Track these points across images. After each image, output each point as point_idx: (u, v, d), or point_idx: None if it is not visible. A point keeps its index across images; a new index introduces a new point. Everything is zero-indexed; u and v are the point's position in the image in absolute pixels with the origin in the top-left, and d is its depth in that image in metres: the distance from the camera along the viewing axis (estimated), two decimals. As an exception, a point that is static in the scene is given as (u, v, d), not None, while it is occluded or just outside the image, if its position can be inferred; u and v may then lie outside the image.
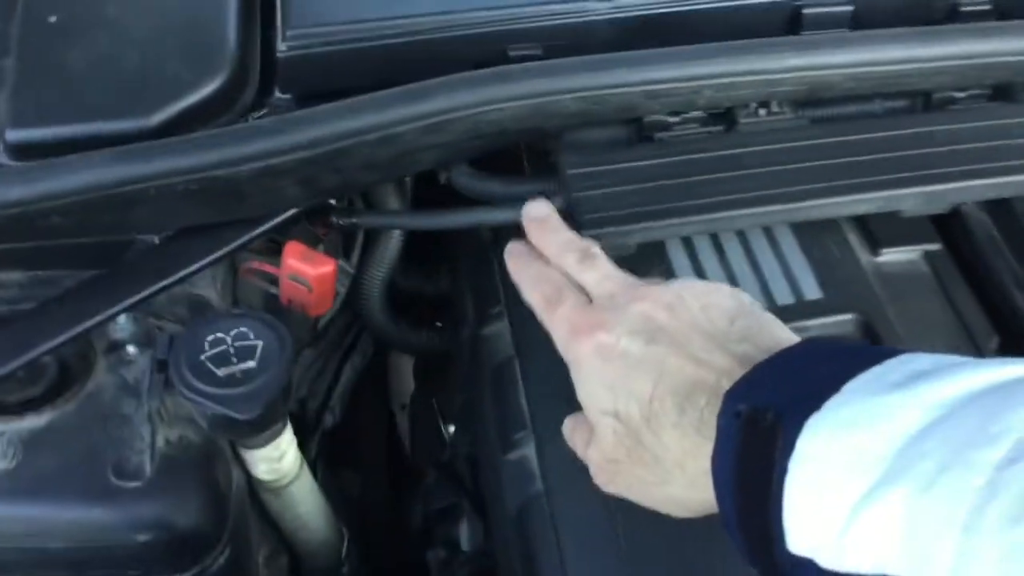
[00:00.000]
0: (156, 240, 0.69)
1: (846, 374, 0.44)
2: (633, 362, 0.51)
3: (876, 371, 0.44)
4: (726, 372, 0.49)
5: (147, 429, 0.62)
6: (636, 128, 0.73)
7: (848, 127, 0.72)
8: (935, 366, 0.44)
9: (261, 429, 0.63)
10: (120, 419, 0.63)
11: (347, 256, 0.81)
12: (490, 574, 0.73)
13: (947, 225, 0.77)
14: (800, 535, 0.42)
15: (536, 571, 0.64)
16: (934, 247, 0.74)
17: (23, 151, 0.66)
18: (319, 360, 0.86)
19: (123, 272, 0.68)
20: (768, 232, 0.75)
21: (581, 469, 0.65)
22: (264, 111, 0.70)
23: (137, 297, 0.66)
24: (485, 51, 0.72)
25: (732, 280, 0.73)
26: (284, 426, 0.66)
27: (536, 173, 0.75)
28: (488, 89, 0.65)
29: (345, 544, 0.78)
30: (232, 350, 0.61)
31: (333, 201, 0.77)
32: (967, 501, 0.38)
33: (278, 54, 0.70)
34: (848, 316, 0.70)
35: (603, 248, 0.67)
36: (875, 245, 0.73)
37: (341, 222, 0.74)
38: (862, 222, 0.74)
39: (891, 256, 0.73)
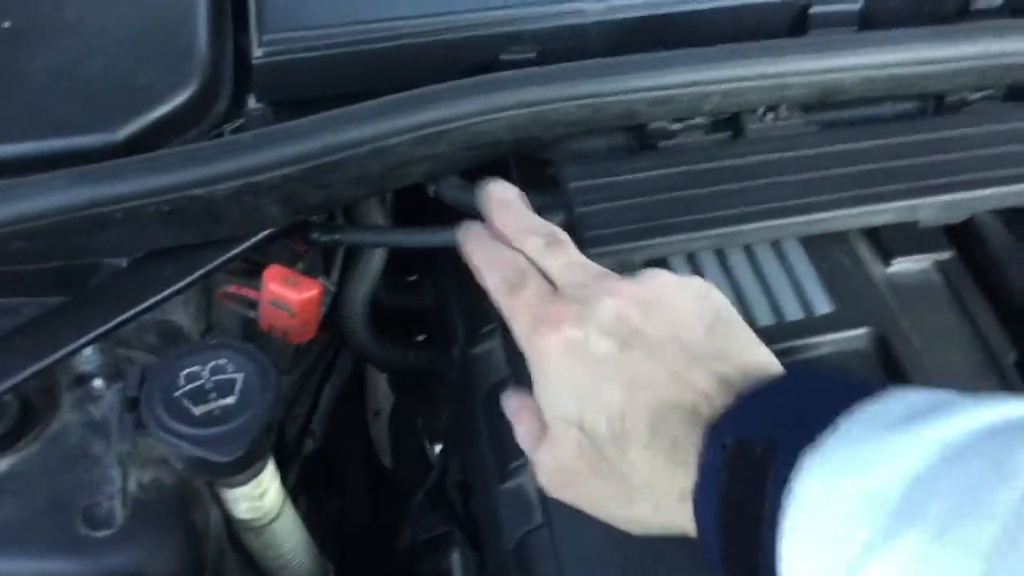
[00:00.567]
0: (124, 264, 0.64)
1: (840, 408, 0.41)
2: (605, 368, 0.47)
3: (873, 408, 0.41)
4: (704, 395, 0.46)
5: (118, 472, 0.57)
6: (637, 136, 0.69)
7: (860, 133, 0.69)
8: (934, 404, 0.41)
9: (243, 469, 0.58)
10: (89, 461, 0.58)
11: (327, 273, 0.77)
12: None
13: (958, 232, 0.74)
14: None
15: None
16: (946, 255, 0.71)
17: (-23, 170, 0.61)
18: (297, 384, 0.81)
19: (89, 299, 0.62)
20: (775, 245, 0.71)
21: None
22: (239, 121, 0.65)
23: (105, 327, 0.60)
24: (476, 55, 0.68)
25: (739, 296, 0.69)
26: (265, 463, 0.61)
27: (531, 185, 0.71)
28: (487, 97, 0.61)
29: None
30: (210, 384, 0.56)
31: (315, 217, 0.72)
32: (984, 549, 0.35)
33: (253, 61, 0.65)
34: (861, 331, 0.66)
35: (608, 265, 0.63)
36: (886, 255, 0.69)
37: (323, 239, 0.69)
38: (872, 232, 0.71)
39: (902, 266, 0.70)
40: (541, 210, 0.66)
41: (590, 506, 0.51)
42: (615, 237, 0.62)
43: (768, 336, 0.66)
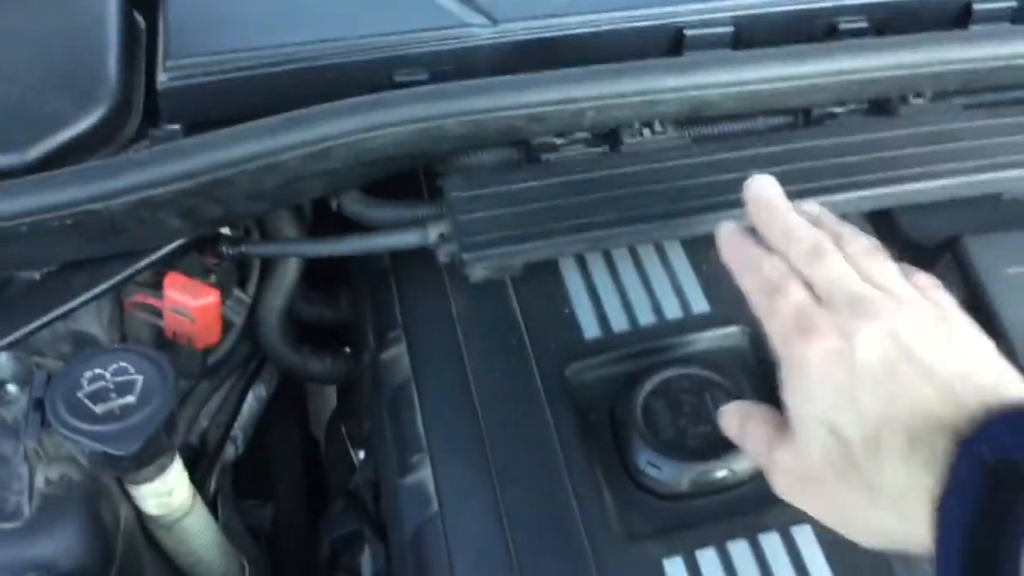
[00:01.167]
0: (37, 276, 0.68)
1: None
2: (866, 378, 0.48)
3: None
4: (969, 415, 0.45)
5: (25, 469, 0.60)
6: (524, 150, 0.74)
7: (729, 144, 0.74)
8: None
9: (144, 464, 0.62)
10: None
11: (243, 285, 0.81)
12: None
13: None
14: None
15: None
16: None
17: None
18: (219, 392, 0.85)
19: (2, 309, 0.67)
20: (659, 248, 0.76)
21: (475, 490, 0.66)
22: (145, 143, 0.69)
23: (17, 335, 0.65)
24: (371, 78, 0.72)
25: (623, 296, 0.74)
26: (171, 460, 0.65)
27: (428, 198, 0.75)
28: (369, 115, 0.66)
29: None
30: (111, 385, 0.61)
31: (226, 230, 0.77)
32: None
33: (158, 85, 0.69)
34: (735, 328, 0.72)
35: (486, 270, 0.68)
36: (761, 258, 0.75)
37: (230, 251, 0.73)
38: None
39: (777, 269, 0.75)
40: (430, 219, 0.71)
41: (826, 512, 0.51)
42: (492, 242, 0.66)
43: (650, 334, 0.72)
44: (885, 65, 0.73)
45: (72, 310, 0.66)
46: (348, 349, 0.96)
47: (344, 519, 0.84)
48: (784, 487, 0.52)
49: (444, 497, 0.67)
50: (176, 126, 0.71)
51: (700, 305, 0.73)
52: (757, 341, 0.70)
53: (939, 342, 0.49)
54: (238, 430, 0.87)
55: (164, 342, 0.71)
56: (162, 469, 0.65)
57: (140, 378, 0.61)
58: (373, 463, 0.82)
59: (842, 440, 0.48)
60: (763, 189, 0.57)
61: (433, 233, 0.69)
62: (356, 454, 0.94)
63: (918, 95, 0.77)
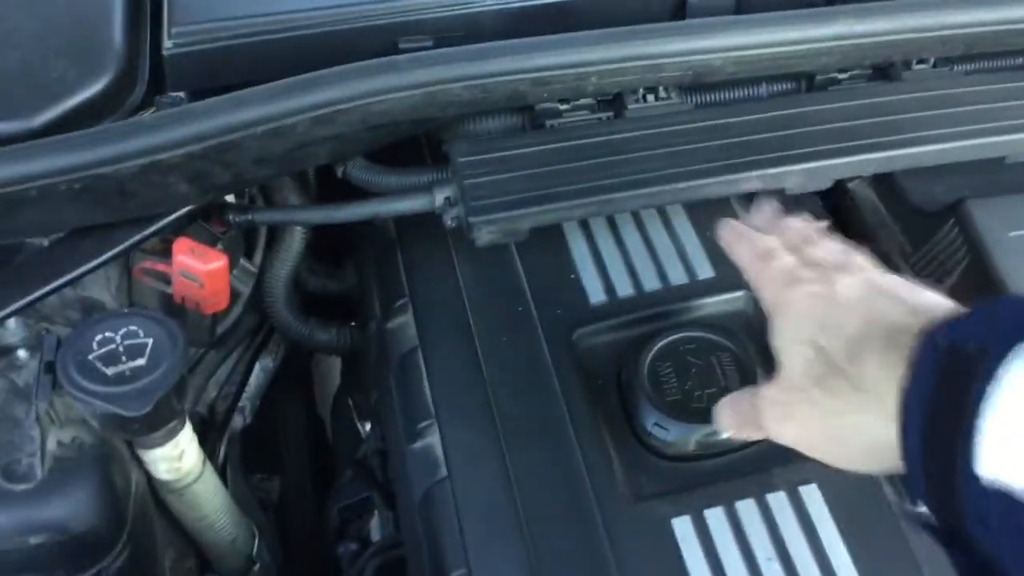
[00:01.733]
0: (45, 243, 0.68)
1: None
2: (846, 304, 0.53)
3: None
4: (931, 319, 0.49)
5: (36, 432, 0.61)
6: (529, 116, 0.74)
7: (733, 110, 0.74)
8: None
9: (154, 427, 0.62)
10: (10, 423, 0.62)
11: (250, 256, 0.81)
12: (399, 564, 0.73)
13: (837, 203, 0.80)
14: (994, 458, 0.42)
15: (440, 555, 0.64)
16: (823, 224, 0.76)
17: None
18: (227, 362, 0.85)
19: (11, 276, 0.67)
20: (663, 214, 0.77)
21: (483, 454, 0.67)
22: (152, 109, 0.70)
23: (26, 300, 0.65)
24: (376, 44, 0.73)
25: (628, 263, 0.74)
26: (182, 425, 0.66)
27: (433, 164, 0.76)
28: (377, 79, 0.66)
29: (256, 543, 0.78)
30: (121, 349, 0.61)
31: (231, 198, 0.77)
32: None
33: (164, 52, 0.69)
34: (739, 293, 0.72)
35: (492, 234, 0.68)
36: (765, 224, 0.75)
37: (237, 219, 0.74)
38: (752, 201, 0.76)
39: (782, 234, 0.75)
40: (436, 184, 0.72)
41: (811, 427, 0.54)
42: (498, 206, 0.67)
43: (655, 299, 0.72)
44: (889, 29, 0.73)
45: (81, 276, 0.66)
46: (354, 324, 0.97)
47: (352, 488, 0.85)
48: (769, 415, 0.56)
49: (452, 462, 0.67)
50: (181, 93, 0.72)
51: (705, 271, 0.73)
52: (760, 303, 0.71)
53: (907, 285, 0.54)
54: (246, 400, 0.87)
55: (173, 308, 0.71)
56: (172, 433, 0.65)
57: (150, 341, 0.62)
58: (380, 431, 0.83)
59: (824, 352, 0.52)
60: (766, 209, 0.64)
61: (439, 197, 0.69)
62: (363, 426, 0.94)
63: (921, 60, 0.77)
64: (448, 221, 0.69)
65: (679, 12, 0.76)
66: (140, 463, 0.67)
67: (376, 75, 0.66)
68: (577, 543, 0.61)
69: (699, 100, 0.76)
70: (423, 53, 0.68)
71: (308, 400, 1.13)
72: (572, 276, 0.73)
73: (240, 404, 0.87)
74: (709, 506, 0.61)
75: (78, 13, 0.71)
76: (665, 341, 0.67)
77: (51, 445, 0.62)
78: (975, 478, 0.42)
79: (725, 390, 0.64)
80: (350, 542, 0.78)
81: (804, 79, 0.77)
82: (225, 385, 0.86)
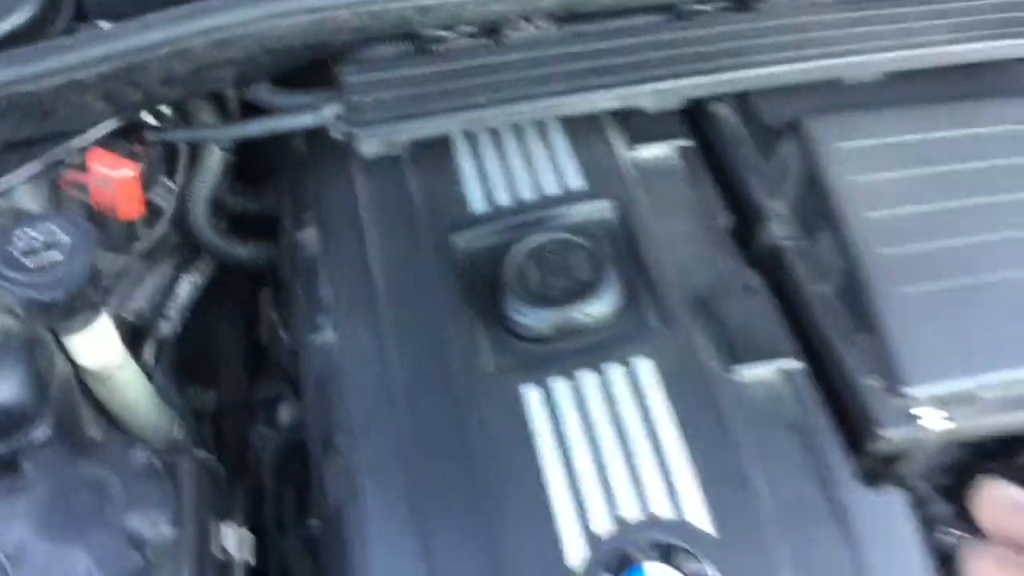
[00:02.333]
0: (-26, 157, 0.76)
1: None
2: None
3: None
4: None
5: (-33, 317, 0.69)
6: (417, 43, 0.82)
7: (601, 37, 0.82)
8: None
9: (70, 313, 0.71)
10: (-56, 310, 0.70)
11: (170, 175, 0.89)
12: (300, 445, 0.82)
13: (701, 124, 0.88)
14: None
15: (328, 425, 0.73)
16: (687, 143, 0.85)
17: None
18: (154, 275, 0.93)
19: (-54, 184, 0.75)
20: (542, 130, 0.85)
21: (370, 342, 0.75)
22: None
23: (-42, 205, 0.73)
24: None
25: (509, 174, 0.83)
26: (97, 314, 0.74)
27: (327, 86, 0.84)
28: (269, 5, 0.74)
29: (175, 428, 0.86)
30: (41, 245, 0.69)
31: (152, 120, 0.85)
32: None
33: (82, -18, 0.77)
34: (605, 203, 0.81)
35: (376, 146, 0.77)
36: (632, 141, 0.84)
37: (154, 138, 0.81)
38: (623, 122, 0.84)
39: (647, 151, 0.84)
40: (323, 102, 0.80)
41: None
42: (380, 120, 0.75)
43: (530, 207, 0.80)
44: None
45: (9, 187, 0.74)
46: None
47: (270, 384, 0.94)
48: None
49: (343, 348, 0.76)
50: (104, 22, 0.79)
51: (576, 182, 0.82)
52: (624, 213, 0.79)
53: None
54: (172, 310, 0.95)
55: (94, 217, 0.79)
56: (88, 322, 0.74)
57: (67, 239, 0.70)
58: (292, 332, 0.91)
59: None
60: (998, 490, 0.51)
61: (328, 113, 0.77)
62: (285, 335, 1.03)
63: (774, -7, 0.86)
64: (336, 134, 0.77)
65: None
66: (64, 352, 0.76)
67: (268, 1, 0.73)
68: (445, 412, 0.70)
69: (575, 30, 0.84)
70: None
71: (248, 319, 1.21)
72: (457, 188, 0.82)
73: (167, 313, 0.95)
74: (554, 375, 0.70)
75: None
76: (531, 241, 0.76)
77: (-20, 329, 0.70)
78: None
79: (578, 281, 0.74)
80: (264, 427, 0.87)
81: (671, 9, 0.85)
82: (154, 296, 0.94)
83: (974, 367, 0.69)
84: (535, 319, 0.73)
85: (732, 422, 0.68)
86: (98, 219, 0.79)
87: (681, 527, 0.64)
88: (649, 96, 0.79)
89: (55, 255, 0.69)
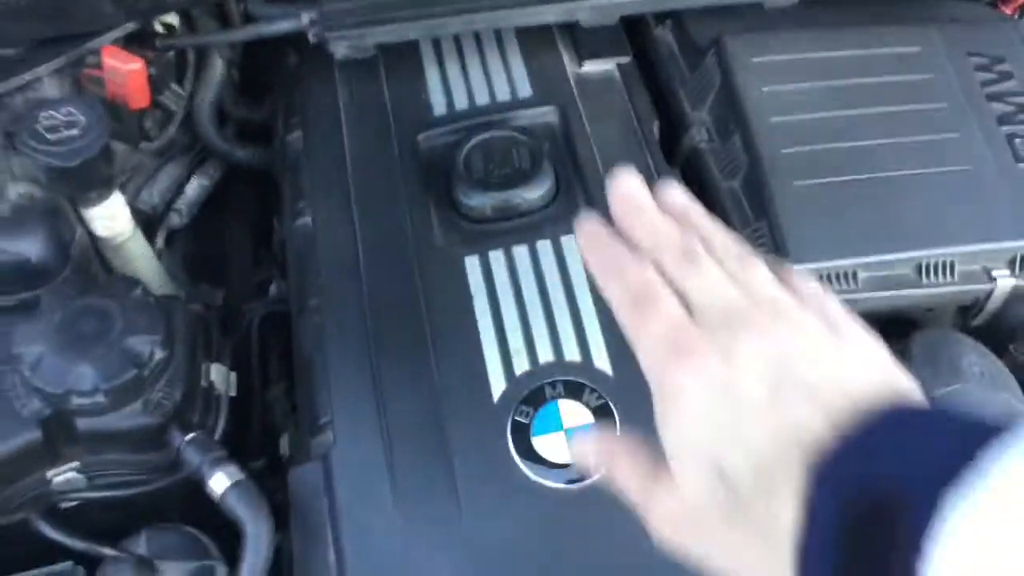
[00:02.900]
0: (11, 52, 0.89)
1: (972, 446, 0.35)
2: (753, 412, 0.42)
3: (1012, 441, 0.35)
4: (840, 434, 0.40)
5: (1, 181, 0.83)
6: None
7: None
8: None
9: (86, 184, 0.84)
10: (-19, 179, 0.84)
11: (180, 81, 1.02)
12: (282, 315, 0.95)
13: (642, 44, 1.00)
14: None
15: (302, 290, 0.86)
16: (625, 60, 0.96)
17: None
18: (164, 171, 1.06)
19: (-16, 76, 0.88)
20: (500, 45, 0.96)
21: (340, 222, 0.87)
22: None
23: (-6, 92, 0.86)
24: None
25: (467, 79, 0.94)
26: (111, 191, 0.87)
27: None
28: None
29: (183, 297, 1.00)
30: (62, 123, 0.82)
31: (161, 29, 0.98)
32: None
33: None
34: (549, 107, 0.92)
35: (344, 49, 0.89)
36: (579, 57, 0.95)
37: (161, 44, 0.94)
38: (573, 39, 0.96)
39: (591, 67, 0.95)
40: (301, 10, 0.91)
41: (717, 563, 0.45)
42: (350, 25, 0.87)
43: (483, 111, 0.92)
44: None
45: (36, 78, 0.87)
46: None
47: (264, 269, 1.07)
48: (667, 533, 0.46)
49: (317, 227, 0.89)
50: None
51: (524, 89, 0.94)
52: (566, 118, 0.91)
53: (824, 357, 0.43)
54: (182, 205, 1.08)
55: (108, 107, 0.92)
56: (103, 196, 0.87)
57: (83, 119, 0.83)
58: (280, 220, 1.04)
59: (729, 479, 0.42)
60: (629, 186, 0.51)
61: (305, 19, 0.89)
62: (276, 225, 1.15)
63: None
64: (311, 37, 0.90)
65: None
66: (82, 221, 0.89)
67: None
68: (400, 278, 0.83)
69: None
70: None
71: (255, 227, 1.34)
72: (423, 93, 0.94)
73: (177, 207, 1.08)
74: (493, 248, 0.82)
75: None
76: (479, 138, 0.88)
77: (11, 195, 0.84)
78: None
79: (517, 170, 0.86)
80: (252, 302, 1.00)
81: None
82: (164, 192, 1.07)
83: (852, 249, 0.80)
84: (478, 201, 0.85)
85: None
86: (112, 109, 0.91)
87: (586, 369, 0.76)
88: (587, 11, 0.90)
89: (73, 132, 0.82)
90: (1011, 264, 0.80)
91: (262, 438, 0.91)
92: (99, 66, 0.91)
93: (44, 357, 0.73)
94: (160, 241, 1.05)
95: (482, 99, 0.93)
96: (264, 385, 0.94)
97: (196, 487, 0.75)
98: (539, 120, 0.92)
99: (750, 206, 0.84)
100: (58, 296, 0.76)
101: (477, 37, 0.96)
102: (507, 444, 0.73)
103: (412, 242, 0.84)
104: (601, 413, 0.74)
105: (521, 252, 0.82)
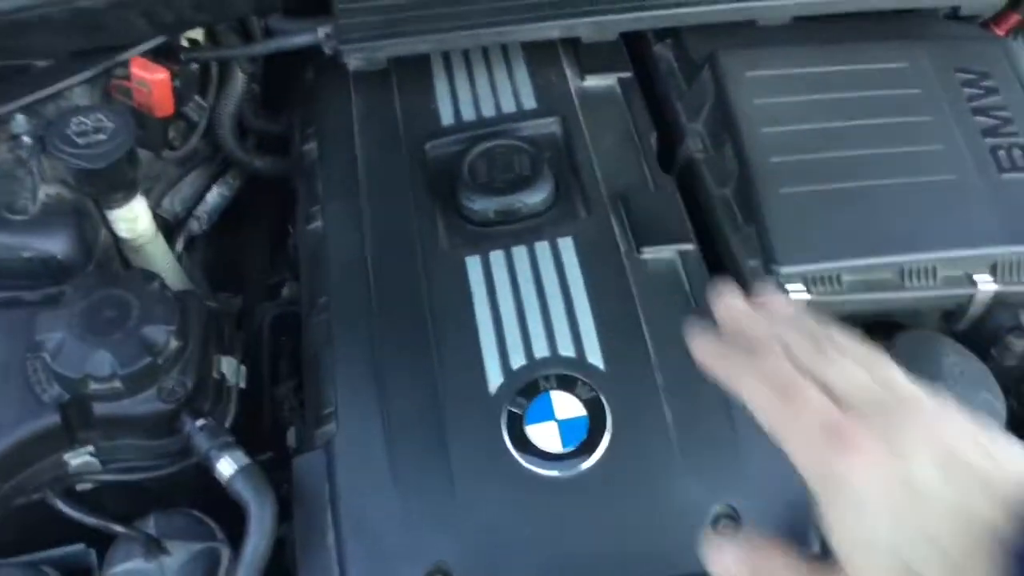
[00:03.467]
0: (46, 63, 0.95)
1: None
2: (928, 495, 0.41)
3: None
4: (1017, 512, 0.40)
5: (30, 181, 0.88)
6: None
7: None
8: None
9: (111, 187, 0.89)
10: (13, 179, 0.89)
11: (203, 94, 1.07)
12: (294, 315, 0.98)
13: (643, 59, 1.04)
14: None
15: (313, 288, 0.90)
16: (626, 75, 1.00)
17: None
18: (186, 180, 1.11)
19: (20, 85, 0.94)
20: (506, 58, 1.01)
21: (349, 226, 0.92)
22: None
23: (30, 98, 0.92)
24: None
25: (475, 92, 0.99)
26: (134, 193, 0.92)
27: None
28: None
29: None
30: (91, 129, 0.87)
31: (186, 43, 1.03)
32: None
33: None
34: (552, 119, 0.96)
35: (358, 61, 0.93)
36: (582, 71, 1.00)
37: (188, 56, 1.00)
38: (576, 54, 1.00)
39: (593, 81, 1.00)
40: (318, 25, 0.97)
41: None
42: (363, 39, 0.92)
43: (489, 122, 0.97)
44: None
45: (68, 87, 0.93)
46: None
47: (274, 268, 1.12)
48: None
49: (329, 231, 0.93)
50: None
51: (529, 102, 0.98)
52: (567, 128, 0.95)
53: (983, 444, 0.43)
54: (202, 212, 1.14)
55: (135, 115, 0.97)
56: (128, 198, 0.92)
57: (111, 125, 0.88)
58: (295, 225, 1.09)
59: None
60: (730, 293, 0.55)
61: (321, 33, 0.94)
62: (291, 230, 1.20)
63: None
64: (327, 50, 0.95)
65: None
66: (106, 223, 0.94)
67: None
68: (404, 278, 0.87)
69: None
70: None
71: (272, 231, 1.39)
72: (431, 103, 0.99)
73: (198, 215, 1.13)
74: (492, 250, 0.86)
75: None
76: (483, 146, 0.92)
77: (41, 195, 0.89)
78: None
79: (519, 176, 0.90)
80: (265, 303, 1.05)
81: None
82: (185, 199, 1.12)
83: (836, 253, 0.83)
84: (481, 205, 0.89)
85: (633, 288, 0.84)
86: (138, 117, 0.97)
87: (579, 363, 0.80)
88: (588, 27, 0.95)
89: (101, 136, 0.87)
90: (992, 270, 0.83)
91: (271, 432, 0.95)
92: (127, 77, 0.97)
93: (65, 343, 0.77)
94: (180, 246, 1.10)
95: (488, 110, 0.97)
96: (274, 381, 0.99)
97: (205, 473, 0.79)
98: (542, 130, 0.96)
99: (740, 212, 0.88)
100: (80, 287, 0.80)
101: (485, 52, 1.00)
102: (501, 433, 0.77)
103: (418, 244, 0.88)
104: (592, 405, 0.77)
105: (520, 253, 0.86)
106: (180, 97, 1.01)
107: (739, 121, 0.90)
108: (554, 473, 0.75)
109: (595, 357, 0.80)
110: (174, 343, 0.79)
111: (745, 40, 0.97)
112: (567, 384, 0.78)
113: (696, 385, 0.79)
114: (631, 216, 0.88)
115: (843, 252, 0.83)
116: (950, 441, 0.43)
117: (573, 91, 0.98)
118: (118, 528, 0.76)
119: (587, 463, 0.75)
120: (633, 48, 1.03)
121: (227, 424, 0.84)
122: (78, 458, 0.81)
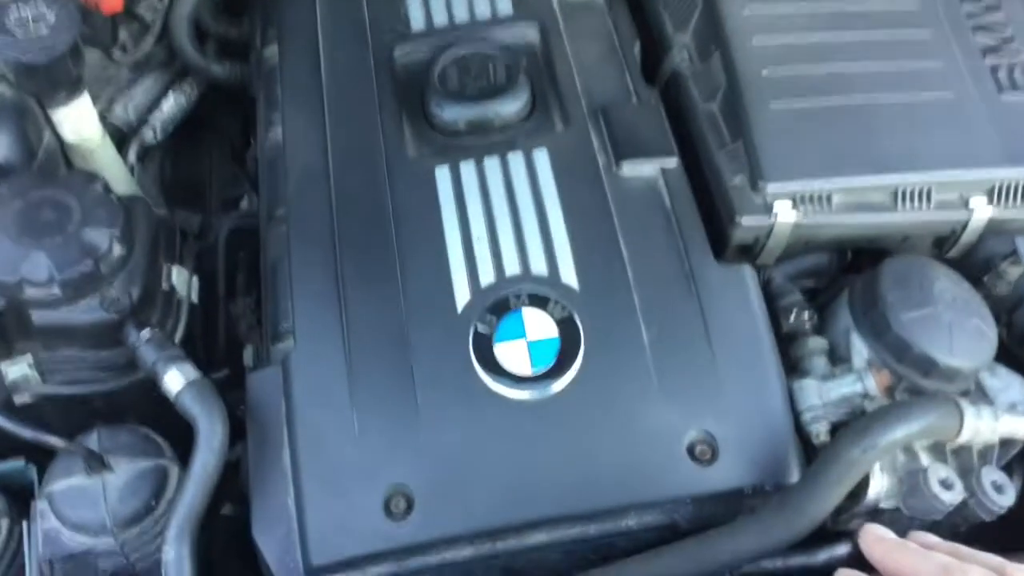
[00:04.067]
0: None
1: None
2: None
3: None
4: None
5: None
6: None
7: None
8: None
9: (54, 84, 0.82)
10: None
11: (159, -1, 1.00)
12: (252, 230, 0.93)
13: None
14: None
15: (271, 199, 0.85)
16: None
17: None
18: (140, 85, 1.04)
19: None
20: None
21: (312, 136, 0.86)
22: None
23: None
24: None
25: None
26: (79, 92, 0.86)
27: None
28: None
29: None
30: (31, 20, 0.81)
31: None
32: None
33: None
34: (530, 26, 0.91)
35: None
36: (563, -16, 0.94)
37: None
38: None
39: (575, -9, 0.94)
40: None
41: None
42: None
43: (462, 28, 0.91)
44: None
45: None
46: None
47: (235, 183, 1.06)
48: None
49: (288, 138, 0.88)
50: None
51: (505, 7, 0.92)
52: (546, 36, 0.90)
53: None
54: (157, 120, 1.07)
55: (85, 12, 0.90)
56: (71, 97, 0.85)
57: (53, 17, 0.81)
58: (254, 134, 1.03)
59: None
60: (881, 531, 0.64)
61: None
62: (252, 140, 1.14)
63: None
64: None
65: None
66: (51, 125, 0.88)
67: None
68: (368, 187, 0.82)
69: None
70: None
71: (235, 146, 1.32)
72: (401, 8, 0.92)
73: (152, 123, 1.06)
74: (463, 160, 0.81)
75: None
76: (454, 53, 0.87)
77: (-22, 95, 0.82)
78: None
79: (492, 85, 0.84)
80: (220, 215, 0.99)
81: None
82: (139, 106, 1.06)
83: (827, 171, 0.79)
84: (451, 114, 0.83)
85: (611, 205, 0.79)
86: (84, 13, 0.90)
87: (553, 282, 0.75)
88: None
89: (42, 28, 0.80)
90: (989, 193, 0.79)
91: (227, 351, 0.90)
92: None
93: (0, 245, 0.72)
94: (132, 156, 1.04)
95: (461, 15, 0.91)
96: (230, 297, 0.94)
97: (154, 390, 0.75)
98: (518, 38, 0.90)
99: (727, 127, 0.83)
100: (16, 187, 0.74)
101: (459, -47, 0.94)
102: (468, 353, 0.72)
103: (383, 153, 0.83)
104: (565, 326, 0.73)
105: (493, 164, 0.81)
106: (133, -5, 0.94)
107: (728, 30, 0.84)
108: (523, 395, 0.71)
109: (569, 276, 0.75)
110: (118, 249, 0.74)
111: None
112: (539, 302, 0.74)
113: (674, 307, 0.77)
114: (611, 129, 0.83)
115: (834, 170, 0.79)
116: None
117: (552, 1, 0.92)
118: (58, 442, 0.72)
119: (558, 386, 0.71)
120: (617, -45, 0.97)
121: (177, 338, 0.79)
122: (16, 369, 0.76)
